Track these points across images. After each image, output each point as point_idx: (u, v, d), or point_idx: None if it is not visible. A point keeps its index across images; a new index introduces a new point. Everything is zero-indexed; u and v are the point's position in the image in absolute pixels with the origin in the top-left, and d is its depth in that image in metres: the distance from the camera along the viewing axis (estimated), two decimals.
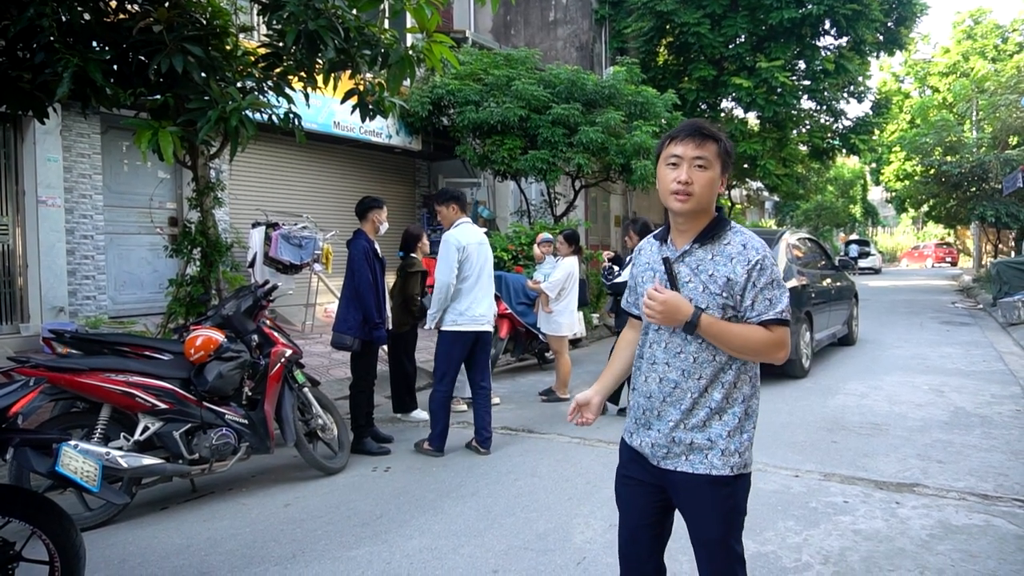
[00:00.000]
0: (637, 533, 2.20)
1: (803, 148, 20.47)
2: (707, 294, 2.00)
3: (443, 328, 5.33)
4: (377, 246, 5.66)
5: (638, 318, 2.25)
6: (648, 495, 2.17)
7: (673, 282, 2.04)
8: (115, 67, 4.82)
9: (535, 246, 8.18)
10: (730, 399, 2.04)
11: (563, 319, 7.08)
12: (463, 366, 5.55)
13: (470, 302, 5.30)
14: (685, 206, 2.00)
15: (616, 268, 6.78)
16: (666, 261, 2.07)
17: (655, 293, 1.99)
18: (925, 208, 29.40)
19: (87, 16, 4.44)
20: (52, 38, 4.08)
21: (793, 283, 7.99)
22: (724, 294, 1.99)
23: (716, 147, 2.00)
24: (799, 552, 3.53)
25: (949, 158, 23.23)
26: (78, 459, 2.88)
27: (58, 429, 3.91)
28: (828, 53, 17.74)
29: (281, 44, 5.16)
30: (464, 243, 5.29)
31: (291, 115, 5.50)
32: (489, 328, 5.47)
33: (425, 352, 7.69)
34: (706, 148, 1.99)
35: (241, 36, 5.56)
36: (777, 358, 2.03)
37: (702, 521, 2.06)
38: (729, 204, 25.82)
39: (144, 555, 3.64)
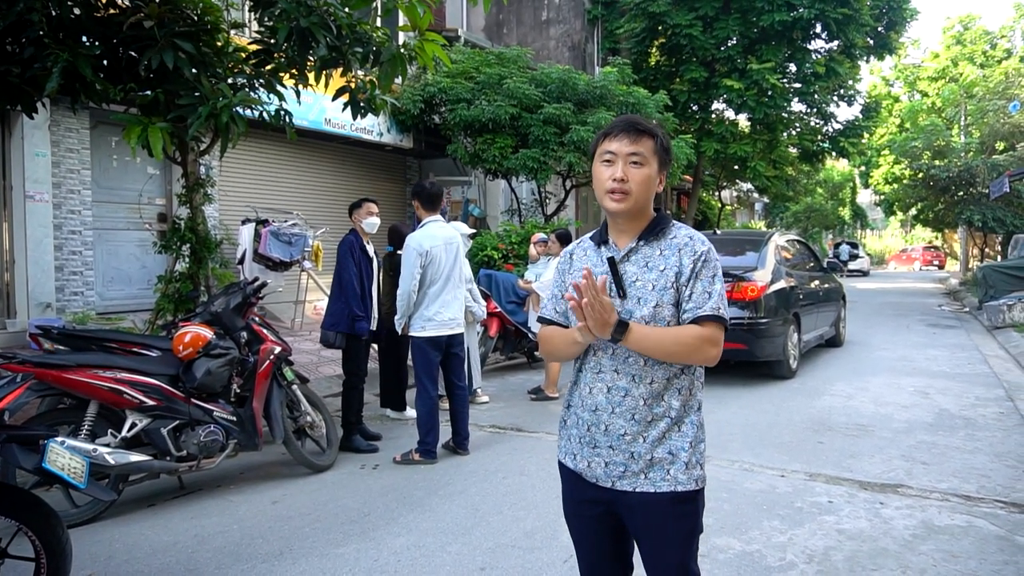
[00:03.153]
0: (599, 559, 2.04)
1: (793, 150, 20.62)
2: (658, 290, 1.88)
3: (413, 334, 5.15)
4: (368, 244, 5.66)
5: (565, 327, 2.03)
6: (602, 522, 1.98)
7: (619, 283, 1.91)
8: (105, 62, 4.81)
9: (531, 245, 8.20)
10: (687, 407, 1.91)
11: None
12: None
13: (439, 306, 5.09)
14: (621, 206, 1.89)
15: None
16: (611, 261, 1.93)
17: (600, 297, 1.78)
18: (913, 211, 29.68)
19: (77, 11, 4.41)
20: (41, 32, 4.07)
21: (781, 284, 8.05)
22: (673, 288, 1.88)
23: (652, 143, 1.90)
24: (784, 551, 3.56)
25: (937, 162, 23.45)
26: (65, 455, 2.88)
27: (45, 425, 3.88)
28: (819, 56, 17.88)
29: (272, 41, 5.15)
30: (427, 246, 5.04)
31: (282, 112, 5.49)
32: (460, 330, 5.28)
33: None
34: (641, 144, 1.89)
35: (232, 32, 5.54)
36: (710, 358, 1.87)
37: (662, 544, 1.90)
38: (719, 205, 25.96)
39: (131, 552, 3.63)
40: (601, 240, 2.02)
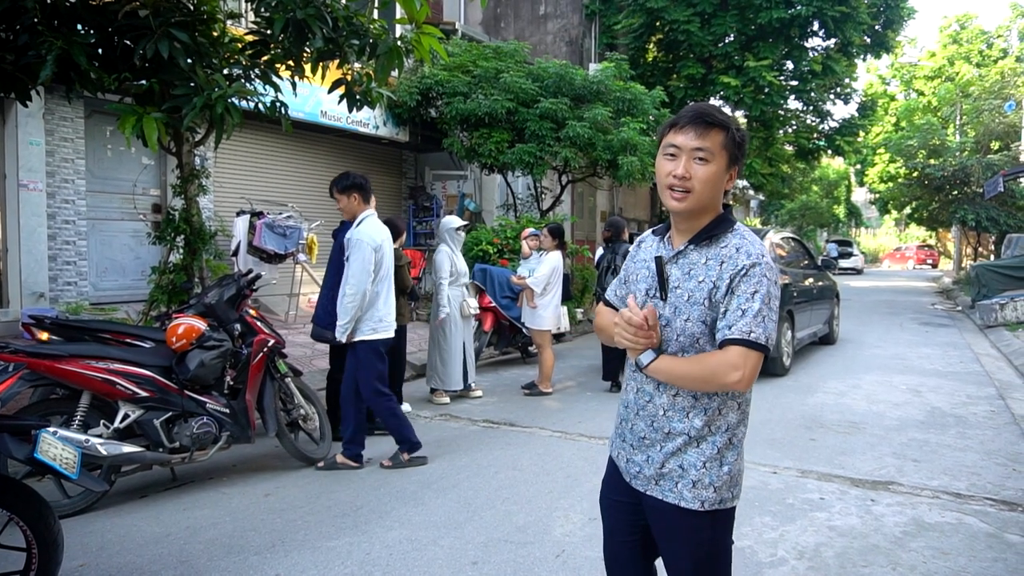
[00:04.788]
0: (621, 549, 2.05)
1: (789, 148, 20.64)
2: (690, 303, 1.77)
3: (362, 338, 4.77)
4: None
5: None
6: (629, 510, 1.99)
7: (663, 285, 1.83)
8: (100, 51, 4.78)
9: (523, 241, 8.18)
10: (712, 427, 1.81)
11: (547, 313, 7.11)
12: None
13: (388, 306, 4.87)
14: (681, 204, 1.76)
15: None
16: (658, 260, 1.84)
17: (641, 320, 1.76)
18: (908, 210, 29.74)
19: None
20: (36, 20, 4.04)
21: None
22: (705, 303, 1.76)
23: (722, 137, 1.74)
24: (775, 547, 3.57)
25: (932, 161, 23.49)
26: (57, 446, 2.86)
27: (37, 415, 3.88)
28: (816, 54, 17.88)
29: (269, 32, 5.12)
30: (379, 241, 4.82)
31: (277, 104, 5.46)
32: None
33: (410, 344, 7.68)
34: (709, 138, 1.73)
35: (228, 23, 5.51)
36: (728, 384, 1.70)
37: (672, 550, 1.89)
38: None
39: (123, 543, 3.63)
40: (664, 234, 1.93)
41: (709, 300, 1.75)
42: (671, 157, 1.78)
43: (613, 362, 7.23)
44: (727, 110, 18.55)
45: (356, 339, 4.80)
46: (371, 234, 4.81)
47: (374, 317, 4.81)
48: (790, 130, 20.05)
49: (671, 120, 1.81)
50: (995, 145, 23.30)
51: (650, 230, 2.04)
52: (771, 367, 7.95)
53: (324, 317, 5.41)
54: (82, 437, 3.79)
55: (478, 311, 7.06)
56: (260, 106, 5.40)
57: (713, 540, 1.86)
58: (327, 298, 5.43)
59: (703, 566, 1.87)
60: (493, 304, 8.18)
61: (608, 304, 2.07)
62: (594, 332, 2.11)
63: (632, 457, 1.92)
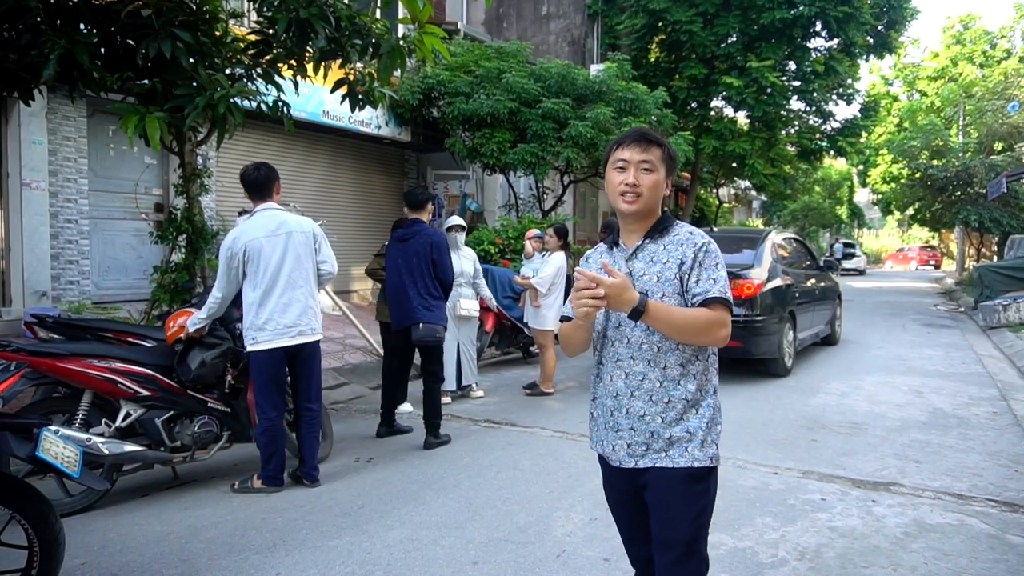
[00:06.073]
0: (637, 536, 2.23)
1: (791, 148, 20.61)
2: (662, 282, 2.06)
3: (249, 348, 4.29)
4: None
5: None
6: (634, 500, 2.16)
7: (628, 277, 2.07)
8: (102, 50, 4.79)
9: (526, 241, 8.19)
10: (703, 390, 2.08)
11: (550, 313, 7.10)
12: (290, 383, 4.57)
13: (271, 311, 4.21)
14: (633, 207, 2.09)
15: None
16: (620, 259, 2.14)
17: (604, 277, 1.92)
18: (910, 211, 29.71)
19: None
20: (39, 19, 4.05)
21: (778, 282, 8.05)
22: (676, 279, 2.05)
23: (660, 152, 2.10)
24: (776, 548, 3.57)
25: (935, 162, 23.46)
26: (59, 444, 2.87)
27: (39, 414, 3.88)
28: (818, 55, 17.87)
29: (271, 31, 5.13)
30: (243, 242, 4.20)
31: (280, 103, 5.47)
32: (306, 339, 4.33)
33: None
34: (651, 152, 2.08)
35: (231, 22, 5.53)
36: (719, 338, 2.01)
37: (674, 519, 2.05)
38: (717, 202, 25.97)
39: (124, 542, 3.63)
40: (613, 243, 2.22)
41: (678, 274, 2.05)
42: (621, 169, 2.11)
43: None
44: (729, 111, 18.63)
45: (247, 348, 4.34)
46: (234, 235, 4.28)
47: (254, 325, 4.24)
48: (792, 131, 20.03)
49: (616, 140, 2.16)
50: (998, 146, 23.24)
51: (599, 244, 2.32)
52: (773, 367, 7.95)
53: (438, 314, 5.42)
54: (84, 436, 3.79)
55: (478, 312, 7.05)
56: (262, 106, 5.41)
57: (708, 506, 2.09)
58: (433, 298, 5.41)
59: (699, 535, 2.06)
60: (495, 304, 8.17)
61: (568, 319, 2.25)
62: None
63: (635, 439, 2.08)
